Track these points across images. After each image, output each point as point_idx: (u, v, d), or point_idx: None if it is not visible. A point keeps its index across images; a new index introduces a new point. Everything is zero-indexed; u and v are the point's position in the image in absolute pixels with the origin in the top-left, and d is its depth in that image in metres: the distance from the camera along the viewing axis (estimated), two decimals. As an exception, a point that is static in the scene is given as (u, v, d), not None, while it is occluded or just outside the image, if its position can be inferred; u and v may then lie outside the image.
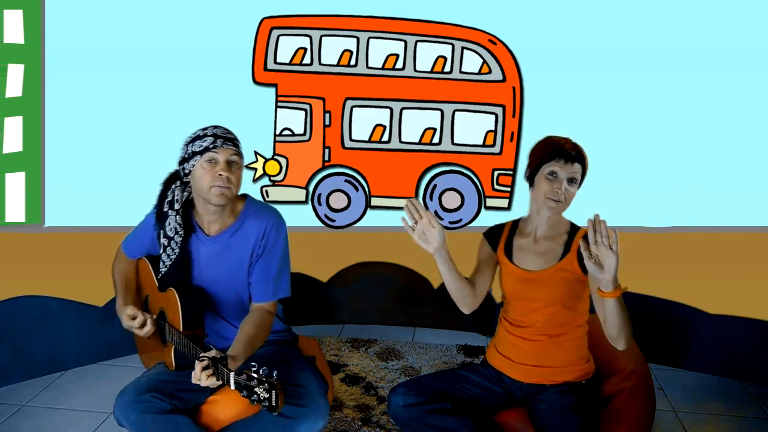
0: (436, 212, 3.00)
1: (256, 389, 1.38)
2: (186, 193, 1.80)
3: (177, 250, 1.78)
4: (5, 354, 2.63)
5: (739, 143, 2.75)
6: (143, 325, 1.77)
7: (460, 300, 1.82)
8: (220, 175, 1.69)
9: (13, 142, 2.77)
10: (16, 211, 2.80)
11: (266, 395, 1.37)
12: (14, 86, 2.72)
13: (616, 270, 1.51)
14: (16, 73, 2.72)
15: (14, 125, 2.76)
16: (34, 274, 2.68)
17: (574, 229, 1.83)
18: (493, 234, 1.94)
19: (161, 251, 1.81)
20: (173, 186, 1.80)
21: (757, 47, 2.68)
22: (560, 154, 1.73)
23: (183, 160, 1.76)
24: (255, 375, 1.39)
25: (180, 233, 1.78)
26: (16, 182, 2.79)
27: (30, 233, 2.74)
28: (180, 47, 2.79)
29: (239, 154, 1.76)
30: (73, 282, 2.72)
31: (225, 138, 1.73)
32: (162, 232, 1.80)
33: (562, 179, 1.73)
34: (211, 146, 1.70)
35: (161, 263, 1.81)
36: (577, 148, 1.75)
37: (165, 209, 1.79)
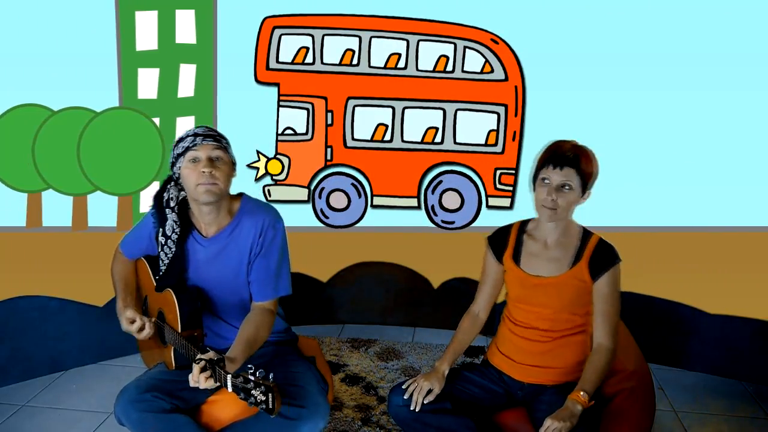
0: (434, 206, 2.99)
1: (253, 392, 1.37)
2: (183, 193, 1.81)
3: (174, 248, 1.78)
4: (5, 354, 2.62)
5: (739, 143, 2.75)
6: (142, 329, 1.77)
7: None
8: (203, 172, 1.68)
9: None
10: None
11: (263, 398, 1.36)
12: (186, 86, 2.72)
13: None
14: (188, 74, 2.71)
15: (186, 126, 2.75)
16: (34, 274, 2.67)
17: (586, 235, 1.79)
18: (497, 240, 1.89)
19: (159, 250, 1.81)
20: (168, 186, 1.80)
21: (757, 47, 2.68)
22: (553, 159, 1.69)
23: (171, 164, 1.77)
24: (252, 378, 1.38)
25: (176, 231, 1.78)
26: None
27: (28, 233, 2.73)
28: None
29: (222, 148, 1.74)
30: (73, 282, 2.70)
31: (204, 135, 1.72)
32: (161, 230, 1.80)
33: (554, 186, 1.69)
34: (191, 145, 1.71)
35: (160, 261, 1.81)
36: (576, 152, 1.69)
37: (164, 208, 1.79)
